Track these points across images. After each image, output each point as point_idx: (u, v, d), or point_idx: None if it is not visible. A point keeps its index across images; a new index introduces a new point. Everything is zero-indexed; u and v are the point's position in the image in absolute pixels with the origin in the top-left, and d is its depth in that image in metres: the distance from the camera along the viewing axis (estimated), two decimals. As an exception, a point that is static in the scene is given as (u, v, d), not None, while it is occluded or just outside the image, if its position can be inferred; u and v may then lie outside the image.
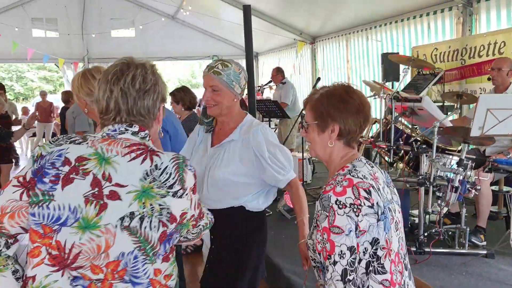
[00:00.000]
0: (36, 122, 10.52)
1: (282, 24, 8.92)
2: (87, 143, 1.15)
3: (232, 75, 1.87)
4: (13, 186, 1.13)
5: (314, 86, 5.91)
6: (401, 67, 4.75)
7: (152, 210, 1.11)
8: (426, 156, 3.45)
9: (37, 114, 9.21)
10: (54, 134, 9.94)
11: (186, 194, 1.16)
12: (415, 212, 3.81)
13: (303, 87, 9.51)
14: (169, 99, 4.30)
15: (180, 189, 1.14)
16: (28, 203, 1.12)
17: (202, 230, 1.35)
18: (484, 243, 3.45)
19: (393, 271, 1.29)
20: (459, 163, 3.26)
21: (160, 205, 1.12)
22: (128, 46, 10.52)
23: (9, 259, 1.16)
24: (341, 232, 1.22)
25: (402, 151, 3.73)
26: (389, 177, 1.45)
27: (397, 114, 3.90)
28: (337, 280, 1.22)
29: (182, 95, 4.25)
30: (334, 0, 7.02)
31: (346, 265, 1.22)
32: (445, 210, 3.39)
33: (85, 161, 1.12)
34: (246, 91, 4.28)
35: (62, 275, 1.10)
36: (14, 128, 5.43)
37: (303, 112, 4.24)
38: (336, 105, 1.36)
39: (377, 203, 1.27)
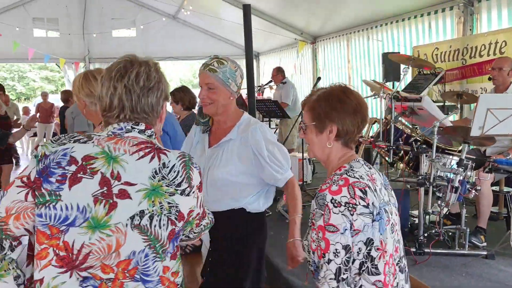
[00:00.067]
0: (37, 122, 10.53)
1: (282, 24, 8.90)
2: (93, 142, 1.13)
3: (228, 73, 1.85)
4: (17, 186, 1.11)
5: (314, 86, 5.89)
6: (402, 66, 4.73)
7: (161, 208, 1.12)
8: (426, 156, 3.44)
9: (38, 116, 9.25)
10: (55, 134, 9.94)
11: (193, 192, 1.17)
12: (415, 212, 3.79)
13: (304, 87, 9.49)
14: (168, 99, 4.28)
15: (187, 187, 1.15)
16: (34, 203, 1.09)
17: (203, 229, 1.35)
18: (485, 244, 3.43)
19: (386, 272, 1.29)
20: (459, 163, 3.25)
21: (169, 203, 1.13)
22: (129, 46, 10.50)
23: (11, 263, 1.14)
24: (336, 230, 1.23)
25: (402, 151, 3.71)
26: (387, 179, 1.47)
27: (396, 114, 3.88)
28: (330, 278, 1.23)
29: (182, 95, 4.24)
30: (334, -1, 7.02)
31: (340, 264, 1.22)
32: (445, 210, 3.37)
33: (93, 160, 1.10)
34: (246, 91, 4.30)
35: (71, 276, 1.09)
36: (14, 130, 5.42)
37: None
38: (334, 105, 1.37)
39: (372, 203, 1.28)
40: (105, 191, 1.09)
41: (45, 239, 1.08)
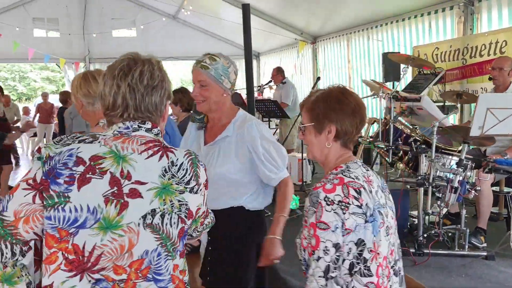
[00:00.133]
0: (37, 122, 10.55)
1: (282, 24, 8.90)
2: (99, 142, 1.12)
3: (221, 69, 1.81)
4: (23, 189, 1.09)
5: (314, 86, 5.87)
6: (402, 66, 4.71)
7: (172, 206, 1.12)
8: (426, 156, 3.42)
9: (34, 121, 9.26)
10: (55, 135, 9.94)
11: (200, 190, 1.18)
12: (415, 213, 3.77)
13: (304, 87, 9.48)
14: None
15: (195, 185, 1.16)
16: (43, 206, 1.07)
17: (205, 228, 1.35)
18: (484, 244, 3.41)
19: (380, 274, 1.29)
20: (458, 164, 3.23)
21: (179, 201, 1.13)
22: (129, 46, 10.47)
23: (23, 270, 1.12)
24: (327, 228, 1.23)
25: (401, 151, 3.69)
26: (385, 182, 1.46)
27: (396, 114, 3.86)
28: (319, 276, 1.23)
29: (181, 96, 4.21)
30: (334, -1, 7.01)
31: (329, 262, 1.23)
32: (444, 211, 3.35)
33: (101, 160, 1.09)
34: (245, 91, 4.29)
35: (81, 280, 1.07)
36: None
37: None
38: (333, 106, 1.37)
39: (366, 204, 1.28)
40: (116, 191, 1.08)
41: (54, 242, 1.07)
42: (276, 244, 1.80)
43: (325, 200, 1.25)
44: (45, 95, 10.73)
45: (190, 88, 4.80)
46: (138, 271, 1.09)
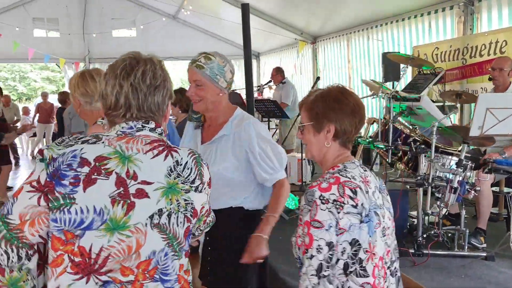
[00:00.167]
0: (36, 122, 10.56)
1: (282, 24, 8.89)
2: (103, 142, 1.11)
3: (216, 69, 1.79)
4: (28, 191, 1.07)
5: (313, 86, 5.86)
6: (401, 66, 4.70)
7: (178, 206, 1.12)
8: (425, 156, 3.41)
9: (35, 121, 9.25)
10: (54, 135, 9.94)
11: (204, 188, 1.19)
12: (414, 213, 3.76)
13: (304, 87, 9.47)
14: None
15: (200, 184, 1.17)
16: (48, 208, 1.06)
17: (206, 227, 1.35)
18: (484, 245, 3.40)
19: (376, 275, 1.28)
20: (458, 164, 3.22)
21: (185, 200, 1.14)
22: (129, 46, 10.42)
23: (29, 274, 1.10)
24: (321, 226, 1.23)
25: (401, 151, 3.68)
26: (383, 184, 1.45)
27: (395, 114, 3.85)
28: (312, 274, 1.23)
29: (179, 96, 4.20)
30: (334, -1, 7.00)
31: (322, 260, 1.23)
32: (444, 211, 3.34)
33: (106, 160, 1.08)
34: (244, 91, 4.27)
35: (87, 282, 1.06)
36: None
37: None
38: (332, 105, 1.37)
39: (362, 204, 1.27)
40: (122, 192, 1.07)
41: (60, 245, 1.05)
42: (261, 242, 1.76)
43: (320, 199, 1.25)
44: (44, 95, 10.72)
45: (189, 88, 4.79)
46: (146, 272, 1.09)
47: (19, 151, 10.37)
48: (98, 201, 1.06)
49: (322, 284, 1.22)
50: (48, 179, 1.06)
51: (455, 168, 3.22)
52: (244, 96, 5.15)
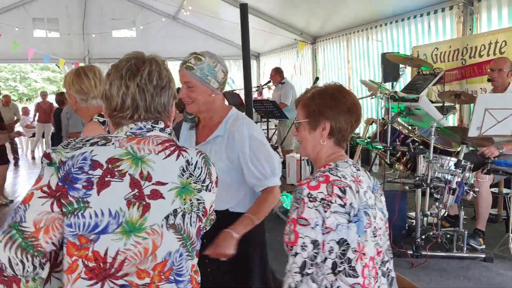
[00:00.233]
0: (36, 122, 10.56)
1: (282, 24, 8.88)
2: (113, 144, 1.08)
3: (206, 69, 1.75)
4: (39, 197, 1.03)
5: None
6: (400, 66, 4.68)
7: (191, 205, 1.12)
8: (424, 157, 3.39)
9: (34, 120, 9.25)
10: (53, 134, 9.93)
11: (213, 187, 1.19)
12: (413, 214, 3.75)
13: (303, 88, 9.40)
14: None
15: (209, 183, 1.17)
16: (62, 213, 1.03)
17: (209, 226, 1.33)
18: (483, 246, 3.38)
19: (366, 275, 1.27)
20: (457, 165, 3.20)
21: (198, 199, 1.14)
22: (129, 46, 10.39)
23: (42, 284, 1.07)
24: (307, 224, 1.23)
25: (399, 152, 3.67)
26: (378, 184, 1.44)
27: (394, 114, 3.84)
28: (295, 272, 1.22)
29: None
30: (334, -1, 6.99)
31: (306, 258, 1.22)
32: (442, 212, 3.32)
33: (118, 162, 1.06)
34: (243, 91, 4.25)
35: (102, 287, 1.04)
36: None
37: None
38: (328, 103, 1.36)
39: (350, 203, 1.26)
40: (137, 193, 1.05)
41: (75, 250, 1.03)
42: (229, 239, 1.66)
43: (308, 197, 1.24)
44: (44, 94, 10.72)
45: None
46: (161, 274, 1.08)
47: (19, 151, 10.37)
48: (113, 204, 1.04)
49: (305, 282, 1.22)
50: (60, 183, 1.03)
51: (454, 169, 3.20)
52: (243, 97, 5.14)
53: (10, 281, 1.02)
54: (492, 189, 3.71)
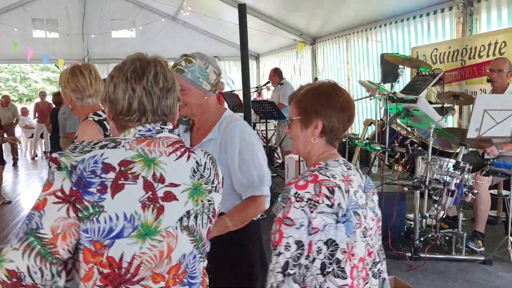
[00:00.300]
0: (35, 122, 10.55)
1: (282, 25, 8.86)
2: (124, 146, 1.06)
3: (197, 71, 1.71)
4: (54, 203, 1.00)
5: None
6: (399, 67, 4.66)
7: (203, 207, 1.12)
8: (422, 158, 3.37)
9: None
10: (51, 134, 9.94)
11: (220, 188, 1.20)
12: (412, 216, 3.72)
13: (303, 89, 9.43)
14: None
15: (217, 184, 1.18)
16: (78, 219, 1.00)
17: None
18: (482, 248, 3.36)
19: (354, 276, 1.26)
20: (455, 166, 3.17)
21: (208, 201, 1.14)
22: (129, 47, 10.45)
23: None
24: (292, 224, 1.22)
25: (398, 153, 3.64)
26: (370, 183, 1.41)
27: (392, 116, 3.82)
28: (277, 272, 1.21)
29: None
30: (334, 0, 6.96)
31: (289, 258, 1.21)
32: (441, 214, 3.30)
33: (131, 164, 1.04)
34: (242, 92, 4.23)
35: None
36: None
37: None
38: (321, 100, 1.34)
39: (338, 204, 1.24)
40: (151, 196, 1.04)
41: (91, 256, 1.01)
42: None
43: (294, 196, 1.23)
44: (42, 94, 10.73)
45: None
46: (176, 277, 1.07)
47: (18, 152, 10.36)
48: (128, 207, 1.02)
49: (286, 282, 1.20)
50: (74, 188, 1.01)
51: (453, 171, 3.18)
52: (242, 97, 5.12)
53: None
54: (491, 191, 3.69)
